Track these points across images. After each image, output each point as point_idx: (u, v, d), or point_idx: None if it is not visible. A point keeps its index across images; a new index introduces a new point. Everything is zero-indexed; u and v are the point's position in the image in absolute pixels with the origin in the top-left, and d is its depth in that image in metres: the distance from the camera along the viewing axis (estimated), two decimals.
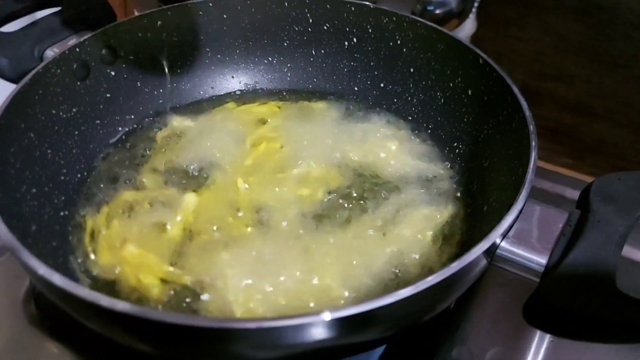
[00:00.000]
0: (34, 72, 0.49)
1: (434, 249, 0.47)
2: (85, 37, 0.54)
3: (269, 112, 0.62)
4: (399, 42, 0.60)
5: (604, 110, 0.88)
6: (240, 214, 0.49)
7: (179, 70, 0.63)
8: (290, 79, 0.66)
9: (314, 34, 0.64)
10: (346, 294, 0.43)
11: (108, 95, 0.57)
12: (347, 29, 0.62)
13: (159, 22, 0.60)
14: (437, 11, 0.77)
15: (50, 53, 0.55)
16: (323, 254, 0.45)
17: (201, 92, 0.65)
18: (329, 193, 0.51)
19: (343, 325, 0.31)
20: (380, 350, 0.46)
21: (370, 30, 0.61)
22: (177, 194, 0.51)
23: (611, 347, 0.47)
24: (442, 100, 0.58)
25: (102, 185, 0.52)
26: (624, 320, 0.33)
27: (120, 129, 0.59)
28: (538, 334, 0.48)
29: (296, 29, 0.64)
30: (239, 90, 0.66)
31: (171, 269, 0.45)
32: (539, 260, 0.38)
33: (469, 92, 0.54)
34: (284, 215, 0.49)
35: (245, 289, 0.43)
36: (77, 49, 0.53)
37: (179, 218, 0.49)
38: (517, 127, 0.46)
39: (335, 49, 0.64)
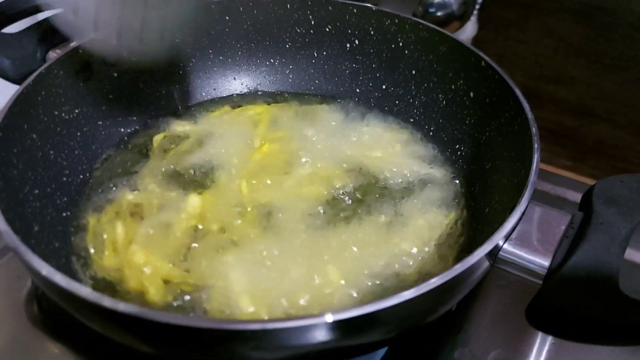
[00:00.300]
0: (36, 73, 0.49)
1: (436, 251, 0.47)
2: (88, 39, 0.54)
3: (271, 114, 0.62)
4: (400, 44, 0.60)
5: (604, 112, 0.89)
6: (244, 215, 0.49)
7: (181, 72, 0.63)
8: (292, 81, 0.66)
9: (316, 35, 0.64)
10: (349, 295, 0.43)
11: (110, 96, 0.57)
12: (349, 31, 0.62)
13: None
14: (439, 13, 0.77)
15: (53, 54, 0.55)
16: (326, 255, 0.46)
17: (203, 94, 0.65)
18: (332, 194, 0.52)
19: (345, 327, 0.31)
20: (382, 352, 0.46)
21: (372, 33, 0.61)
22: (180, 196, 0.51)
23: (613, 349, 0.47)
24: (444, 103, 0.58)
25: (104, 187, 0.52)
26: (627, 323, 0.33)
27: (122, 130, 0.59)
28: (540, 336, 0.48)
29: (298, 30, 0.64)
30: (240, 91, 0.66)
31: (175, 270, 0.45)
32: (541, 262, 0.38)
33: (471, 94, 0.54)
34: (287, 217, 0.49)
35: (249, 290, 0.43)
36: (80, 50, 0.53)
37: (183, 219, 0.49)
38: (519, 130, 0.46)
39: (337, 51, 0.64)
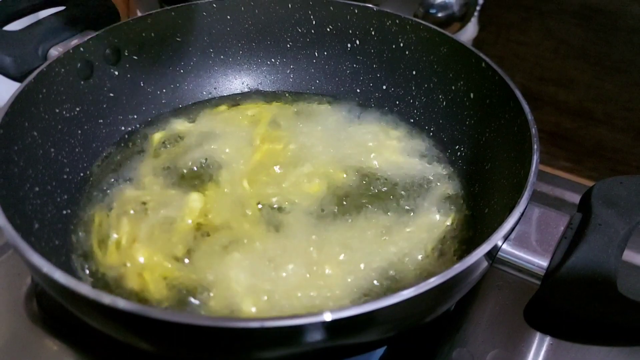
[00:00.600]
0: (38, 71, 0.49)
1: (435, 251, 0.47)
2: (89, 37, 0.54)
3: (272, 113, 0.62)
4: (401, 44, 0.60)
5: (604, 115, 0.89)
6: (245, 214, 0.49)
7: (182, 71, 0.63)
8: (292, 81, 0.66)
9: (317, 35, 0.64)
10: (349, 294, 0.43)
11: (111, 94, 0.58)
12: (350, 31, 0.62)
13: (163, 23, 0.60)
14: (440, 14, 0.77)
15: (54, 52, 0.55)
16: (327, 254, 0.46)
17: (204, 93, 0.65)
18: (332, 194, 0.52)
19: (344, 326, 0.31)
20: (380, 351, 0.46)
21: (373, 33, 0.61)
22: (181, 194, 0.51)
23: (611, 350, 0.47)
24: (444, 103, 0.58)
25: (104, 185, 0.52)
26: (624, 323, 0.33)
27: (123, 128, 0.59)
28: (538, 336, 0.49)
29: (299, 30, 0.64)
30: (241, 91, 0.66)
31: (177, 268, 0.45)
32: (540, 262, 0.38)
33: (471, 95, 0.55)
34: (288, 215, 0.49)
35: (250, 288, 0.43)
36: (81, 49, 0.53)
37: (185, 218, 0.49)
38: (519, 131, 0.46)
39: (338, 51, 0.64)
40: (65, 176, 0.51)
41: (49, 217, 0.46)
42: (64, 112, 0.52)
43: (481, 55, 0.52)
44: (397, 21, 0.59)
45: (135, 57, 0.59)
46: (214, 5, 0.62)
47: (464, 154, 0.55)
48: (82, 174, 0.53)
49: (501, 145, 0.50)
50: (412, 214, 0.50)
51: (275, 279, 0.43)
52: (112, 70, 0.57)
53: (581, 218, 0.39)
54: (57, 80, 0.51)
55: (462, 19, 0.80)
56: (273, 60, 0.66)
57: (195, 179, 0.53)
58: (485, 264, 0.36)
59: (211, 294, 0.43)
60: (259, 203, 0.50)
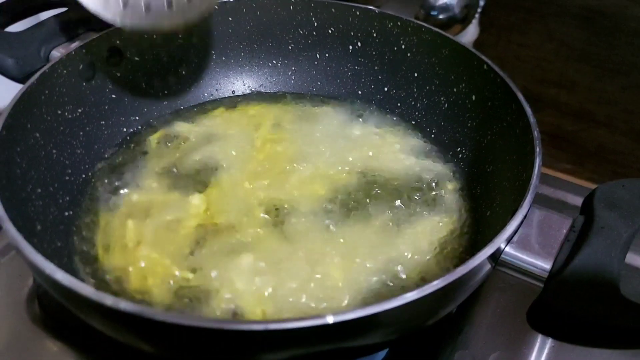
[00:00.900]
0: (40, 72, 0.49)
1: (437, 253, 0.47)
2: (92, 38, 0.54)
3: (273, 115, 0.62)
4: (403, 46, 0.60)
5: (605, 117, 0.89)
6: (248, 215, 0.49)
7: (183, 72, 0.63)
8: (294, 82, 0.66)
9: (318, 37, 0.64)
10: (353, 296, 0.43)
11: (113, 96, 0.58)
12: (352, 33, 0.63)
13: None
14: (441, 16, 0.77)
15: (57, 53, 0.55)
16: (330, 256, 0.46)
17: (205, 94, 0.65)
18: (334, 195, 0.52)
19: (347, 328, 0.31)
20: (382, 354, 0.46)
21: (374, 35, 0.61)
22: (184, 195, 0.51)
23: (612, 352, 0.47)
24: (446, 105, 0.58)
25: (106, 186, 0.52)
26: (627, 326, 0.33)
27: (124, 130, 0.59)
28: (540, 338, 0.49)
29: (301, 32, 0.64)
30: (243, 92, 0.66)
31: (180, 270, 0.45)
32: (543, 265, 0.38)
33: (473, 97, 0.55)
34: (291, 217, 0.49)
35: (254, 290, 0.43)
36: (84, 50, 0.53)
37: (188, 219, 0.49)
38: (521, 133, 0.46)
39: (340, 52, 0.64)
40: (67, 177, 0.51)
41: (51, 219, 0.46)
42: (66, 114, 0.52)
43: (483, 57, 0.52)
44: (399, 23, 0.59)
45: (137, 59, 0.59)
46: (216, 7, 0.62)
47: (465, 156, 0.55)
48: (84, 176, 0.53)
49: (503, 148, 0.50)
50: (414, 216, 0.50)
51: (279, 281, 0.43)
52: (114, 71, 0.57)
53: (584, 221, 0.39)
54: (60, 82, 0.51)
55: (463, 21, 0.80)
56: (274, 61, 0.66)
57: (198, 180, 0.53)
58: (488, 266, 0.36)
59: (215, 296, 0.43)
60: (262, 205, 0.50)
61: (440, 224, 0.49)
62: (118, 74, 0.58)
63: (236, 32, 0.64)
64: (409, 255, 0.46)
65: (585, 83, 0.88)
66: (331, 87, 0.65)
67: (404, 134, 0.59)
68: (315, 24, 0.63)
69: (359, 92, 0.64)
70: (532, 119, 0.45)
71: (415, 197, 0.52)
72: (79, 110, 0.54)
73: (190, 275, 0.44)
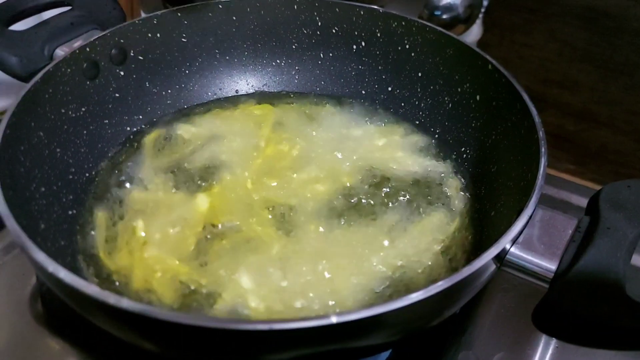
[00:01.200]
0: (44, 71, 0.49)
1: (442, 254, 0.47)
2: (96, 37, 0.54)
3: (277, 115, 0.62)
4: (407, 46, 0.60)
5: (608, 118, 0.89)
6: (253, 215, 0.49)
7: (187, 71, 0.63)
8: (298, 82, 0.66)
9: (322, 37, 0.64)
10: (356, 297, 0.43)
11: (117, 95, 0.58)
12: (356, 33, 0.62)
13: (169, 23, 0.60)
14: (444, 16, 0.77)
15: (61, 52, 0.55)
16: (337, 256, 0.46)
17: (209, 94, 0.65)
18: (339, 196, 0.51)
19: (351, 329, 0.31)
20: (385, 354, 0.46)
21: (378, 34, 0.61)
22: (189, 195, 0.51)
23: (616, 354, 0.47)
24: (450, 105, 0.58)
25: (110, 185, 0.52)
26: (634, 327, 0.33)
27: (128, 129, 0.59)
28: (544, 339, 0.49)
29: (305, 31, 0.64)
30: (246, 92, 0.66)
31: (185, 269, 0.45)
32: (548, 266, 0.38)
33: (477, 97, 0.54)
34: (296, 217, 0.49)
35: (259, 289, 0.43)
36: (88, 49, 0.53)
37: (193, 219, 0.49)
38: (525, 133, 0.46)
39: (344, 52, 0.64)
40: (70, 176, 0.51)
41: (55, 218, 0.46)
42: (70, 112, 0.52)
43: (487, 57, 0.52)
44: (403, 23, 0.59)
45: (141, 58, 0.59)
46: (220, 6, 0.62)
47: (470, 156, 0.55)
48: (87, 175, 0.53)
49: (507, 148, 0.50)
50: (418, 216, 0.50)
51: (283, 281, 0.43)
52: (118, 70, 0.57)
53: (589, 221, 0.39)
54: (64, 81, 0.51)
55: (467, 21, 0.80)
56: (278, 61, 0.66)
57: (202, 180, 0.53)
58: (493, 267, 0.36)
59: (219, 296, 0.43)
60: (266, 205, 0.50)
61: (445, 224, 0.49)
62: (122, 73, 0.58)
63: (240, 32, 0.64)
64: (414, 255, 0.46)
65: (588, 83, 0.88)
66: (335, 87, 0.65)
67: (408, 133, 0.59)
68: (319, 24, 0.63)
69: (363, 92, 0.64)
70: (537, 119, 0.44)
71: (420, 197, 0.52)
72: (83, 109, 0.54)
73: (195, 275, 0.44)
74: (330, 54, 0.64)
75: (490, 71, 0.52)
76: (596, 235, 0.37)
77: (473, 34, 0.85)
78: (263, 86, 0.66)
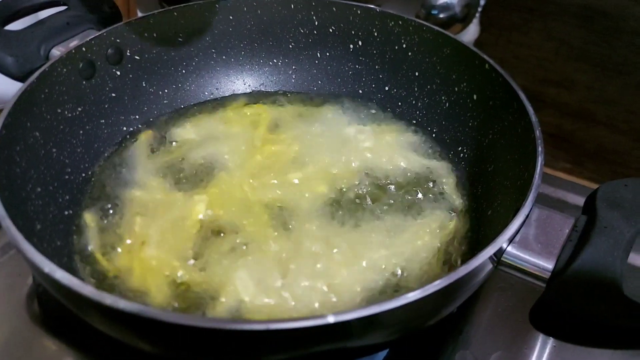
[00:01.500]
0: (40, 70, 0.49)
1: (438, 253, 0.47)
2: (92, 37, 0.54)
3: (274, 114, 0.62)
4: (404, 45, 0.60)
5: (605, 117, 0.89)
6: (251, 215, 0.49)
7: (184, 71, 0.63)
8: (295, 81, 0.66)
9: (319, 36, 0.64)
10: (354, 296, 0.43)
11: (113, 94, 0.57)
12: (353, 32, 0.62)
13: (165, 23, 0.60)
14: (441, 15, 0.77)
15: (57, 52, 0.55)
16: (334, 256, 0.46)
17: (206, 93, 0.65)
18: (336, 195, 0.51)
19: (348, 328, 0.31)
20: (383, 354, 0.46)
21: (375, 34, 0.61)
22: (185, 195, 0.51)
23: (614, 353, 0.47)
24: (447, 105, 0.58)
25: (106, 185, 0.52)
26: (630, 326, 0.33)
27: (124, 128, 0.59)
28: (541, 338, 0.49)
29: (302, 31, 0.64)
30: (243, 91, 0.66)
31: (182, 270, 0.45)
32: (545, 265, 0.38)
33: (474, 96, 0.54)
34: (293, 217, 0.49)
35: (257, 290, 0.43)
36: (84, 48, 0.53)
37: (190, 219, 0.49)
38: (522, 133, 0.46)
39: (341, 51, 0.64)
40: (67, 177, 0.51)
41: (51, 218, 0.46)
42: (66, 112, 0.52)
43: (485, 56, 0.52)
44: (400, 22, 0.59)
45: (137, 57, 0.59)
46: (217, 6, 0.62)
47: (466, 156, 0.55)
48: (83, 175, 0.53)
49: (504, 147, 0.50)
50: (414, 215, 0.50)
51: (281, 280, 0.43)
52: (114, 70, 0.57)
53: (586, 220, 0.39)
54: (59, 80, 0.51)
55: (464, 20, 0.80)
56: (275, 60, 0.66)
57: (199, 180, 0.53)
58: (490, 266, 0.36)
59: (217, 297, 0.43)
60: (264, 204, 0.50)
61: (442, 223, 0.49)
62: (118, 73, 0.58)
63: (237, 31, 0.64)
64: (411, 254, 0.46)
65: (585, 83, 0.88)
66: (332, 86, 0.65)
67: (405, 133, 0.59)
68: (316, 23, 0.63)
69: (360, 91, 0.64)
70: (533, 118, 0.44)
71: (417, 196, 0.52)
72: (79, 109, 0.53)
73: (192, 275, 0.44)
74: (327, 54, 0.64)
75: (487, 70, 0.52)
76: (593, 234, 0.37)
77: (470, 34, 0.85)
78: (260, 86, 0.66)
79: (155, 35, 0.59)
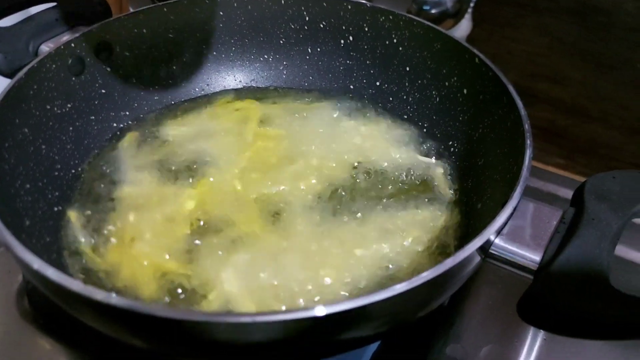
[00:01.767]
0: (28, 67, 0.48)
1: (429, 247, 0.47)
2: (81, 33, 0.54)
3: (264, 110, 0.61)
4: (395, 40, 0.60)
5: (597, 112, 0.89)
6: (242, 211, 0.49)
7: (174, 67, 0.63)
8: (286, 77, 0.66)
9: (310, 32, 0.64)
10: (346, 291, 0.43)
11: (103, 91, 0.57)
12: (344, 27, 0.62)
13: (155, 19, 0.59)
14: (433, 11, 0.77)
15: (46, 48, 0.55)
16: (323, 250, 0.46)
17: (196, 89, 0.64)
18: (327, 190, 0.51)
19: (337, 320, 0.31)
20: (374, 346, 0.46)
21: (366, 29, 0.61)
22: (176, 191, 0.51)
23: (604, 344, 0.47)
24: (438, 99, 0.58)
25: (96, 182, 0.52)
26: (617, 317, 0.33)
27: (114, 125, 0.58)
28: (531, 331, 0.49)
29: (292, 26, 0.64)
30: (234, 87, 0.66)
31: (172, 266, 0.45)
32: (533, 257, 0.38)
33: (465, 91, 0.55)
34: (284, 213, 0.49)
35: (248, 284, 0.43)
36: (73, 45, 0.53)
37: (181, 215, 0.48)
38: (512, 126, 0.46)
39: (331, 47, 0.64)
40: (56, 173, 0.50)
41: (40, 214, 0.46)
42: (55, 109, 0.52)
43: (475, 51, 0.52)
44: (391, 17, 0.59)
45: (127, 54, 0.59)
46: (207, 1, 0.62)
47: (457, 150, 0.55)
48: (73, 171, 0.53)
49: (494, 141, 0.50)
50: (406, 209, 0.50)
51: (273, 276, 0.43)
52: (103, 66, 0.57)
53: (574, 213, 0.39)
54: (48, 77, 0.51)
55: (456, 16, 0.80)
56: (266, 56, 0.66)
57: (190, 176, 0.53)
58: (478, 258, 0.36)
59: (209, 292, 0.43)
60: (256, 200, 0.50)
61: (432, 216, 0.49)
62: (108, 69, 0.57)
63: (227, 27, 0.64)
64: (402, 248, 0.46)
65: (578, 78, 0.89)
66: (323, 82, 0.65)
67: (396, 127, 0.59)
68: (307, 18, 0.63)
69: (351, 87, 0.64)
70: (522, 112, 0.45)
71: (407, 190, 0.52)
72: (69, 105, 0.53)
73: (184, 271, 0.44)
74: (318, 49, 0.64)
75: (477, 65, 0.52)
76: (580, 226, 0.37)
77: (462, 29, 0.85)
78: (251, 81, 0.66)
79: (145, 31, 0.59)
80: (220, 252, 0.45)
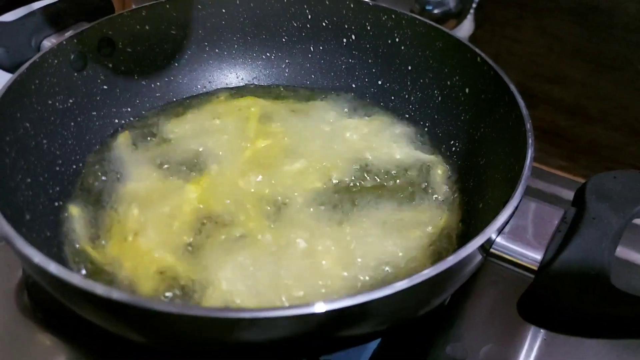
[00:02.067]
0: (30, 61, 0.48)
1: (430, 245, 0.47)
2: (83, 28, 0.54)
3: (266, 108, 0.61)
4: (397, 39, 0.60)
5: (598, 113, 0.89)
6: (243, 208, 0.49)
7: (176, 64, 0.63)
8: (288, 75, 0.66)
9: (312, 30, 0.64)
10: (347, 288, 0.43)
11: (105, 87, 0.57)
12: (346, 26, 0.62)
13: (158, 15, 0.59)
14: (436, 11, 0.77)
15: (48, 43, 0.55)
16: (325, 249, 0.45)
17: (198, 86, 0.64)
18: (329, 189, 0.51)
19: (337, 317, 0.31)
20: (374, 344, 0.46)
21: (369, 28, 0.61)
22: (176, 188, 0.51)
23: (604, 343, 0.47)
24: (440, 99, 0.58)
25: (97, 177, 0.52)
26: (618, 316, 0.33)
27: (116, 121, 0.58)
28: (532, 330, 0.49)
29: (295, 25, 0.64)
30: (236, 85, 0.66)
31: (173, 262, 0.45)
32: (534, 256, 0.38)
33: (466, 90, 0.55)
34: (285, 210, 0.49)
35: (247, 282, 0.43)
36: (75, 40, 0.53)
37: (182, 212, 0.48)
38: (513, 126, 0.46)
39: (334, 45, 0.64)
40: (57, 168, 0.50)
41: (41, 209, 0.46)
42: (57, 104, 0.52)
43: (476, 50, 0.52)
44: (393, 16, 0.59)
45: (129, 50, 0.59)
46: None
47: (459, 149, 0.55)
48: (74, 166, 0.53)
49: (496, 140, 0.50)
50: (407, 208, 0.50)
51: (274, 273, 0.43)
52: (105, 62, 0.57)
53: (575, 212, 0.39)
54: (50, 72, 0.51)
55: (458, 16, 0.80)
56: (268, 54, 0.66)
57: (191, 172, 0.53)
58: (479, 257, 0.36)
59: (210, 288, 0.43)
60: (257, 197, 0.50)
61: (433, 216, 0.49)
62: (110, 65, 0.57)
63: (230, 24, 0.64)
64: (402, 247, 0.46)
65: (579, 78, 0.88)
66: (325, 80, 0.65)
67: (398, 127, 0.59)
68: (309, 17, 0.63)
69: (353, 85, 0.64)
70: (524, 111, 0.45)
71: (409, 189, 0.52)
72: (70, 101, 0.53)
73: (185, 267, 0.44)
74: (320, 47, 0.64)
75: (479, 64, 0.52)
76: (582, 225, 0.37)
77: (464, 30, 0.85)
78: (253, 79, 0.66)
79: (147, 27, 0.59)
80: (221, 248, 0.45)
